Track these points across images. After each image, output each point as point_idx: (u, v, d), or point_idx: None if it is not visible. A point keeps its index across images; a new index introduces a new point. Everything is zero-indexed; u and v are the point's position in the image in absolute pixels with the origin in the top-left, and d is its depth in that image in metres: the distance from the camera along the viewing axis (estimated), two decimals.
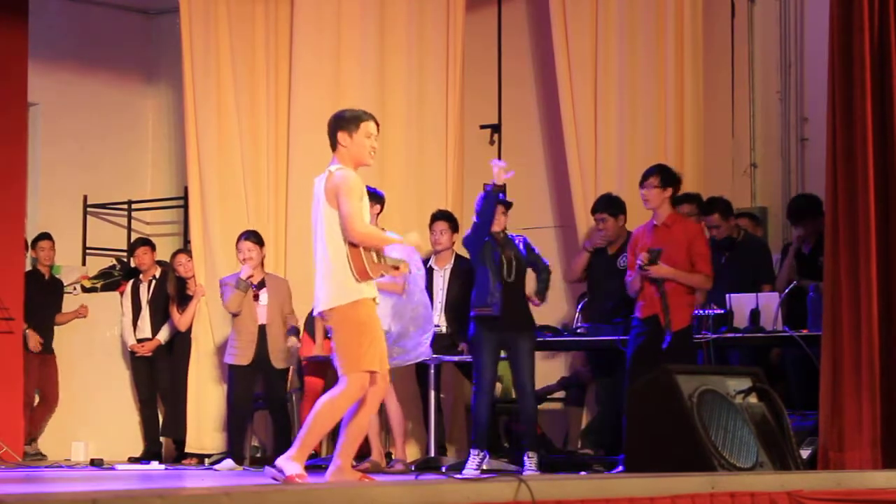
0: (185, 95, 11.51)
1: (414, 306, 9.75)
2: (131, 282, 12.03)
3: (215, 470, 10.22)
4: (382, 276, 7.17)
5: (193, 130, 11.42)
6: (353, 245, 6.96)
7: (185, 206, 12.66)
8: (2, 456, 10.79)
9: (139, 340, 11.83)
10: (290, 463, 6.85)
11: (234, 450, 10.44)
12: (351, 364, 6.93)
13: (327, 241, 6.99)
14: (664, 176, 9.09)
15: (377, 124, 7.17)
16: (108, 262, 13.11)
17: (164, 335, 11.75)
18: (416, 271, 9.77)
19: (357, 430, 7.08)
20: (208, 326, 11.36)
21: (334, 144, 7.13)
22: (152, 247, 12.03)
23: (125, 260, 13.05)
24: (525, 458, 9.22)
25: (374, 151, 7.20)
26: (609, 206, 10.16)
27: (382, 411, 9.97)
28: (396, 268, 7.17)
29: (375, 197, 9.86)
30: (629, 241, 9.34)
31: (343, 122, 7.13)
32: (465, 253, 10.77)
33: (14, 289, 11.28)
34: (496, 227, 9.38)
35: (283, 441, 10.02)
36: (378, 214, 9.87)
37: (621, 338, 9.43)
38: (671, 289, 8.90)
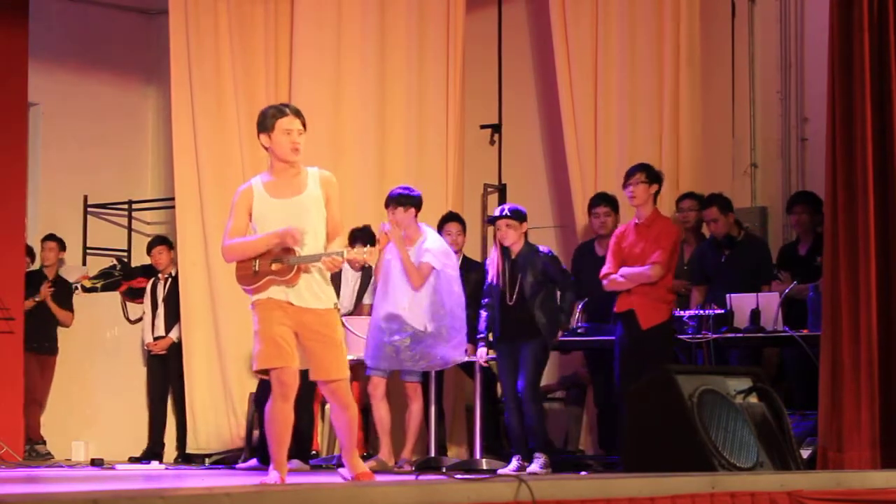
0: (172, 97, 11.49)
1: (450, 306, 9.71)
2: (151, 280, 12.05)
3: (237, 469, 10.25)
4: (254, 287, 6.96)
5: (187, 132, 11.39)
6: None
7: None
8: (2, 456, 10.79)
9: (154, 339, 11.87)
10: (271, 472, 6.96)
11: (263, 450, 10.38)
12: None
13: None
14: (649, 172, 9.18)
15: (300, 118, 6.95)
16: (108, 262, 13.11)
17: (176, 333, 11.76)
18: (451, 272, 9.73)
19: (339, 429, 7.16)
20: (211, 327, 11.37)
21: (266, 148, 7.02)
22: (169, 246, 12.02)
23: (125, 260, 13.05)
24: (533, 458, 9.27)
25: (298, 147, 6.90)
26: (612, 200, 10.21)
27: (400, 411, 9.98)
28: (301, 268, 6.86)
29: (411, 199, 9.80)
30: (612, 240, 9.32)
31: (260, 125, 6.98)
32: (471, 255, 10.78)
33: (14, 289, 11.28)
34: (506, 243, 9.38)
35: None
36: (416, 216, 9.82)
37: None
38: (646, 286, 8.97)
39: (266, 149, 7.01)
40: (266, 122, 6.94)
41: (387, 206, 9.80)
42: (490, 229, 11.94)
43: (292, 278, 6.86)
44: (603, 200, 10.24)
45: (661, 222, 9.21)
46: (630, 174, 9.19)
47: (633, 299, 9.03)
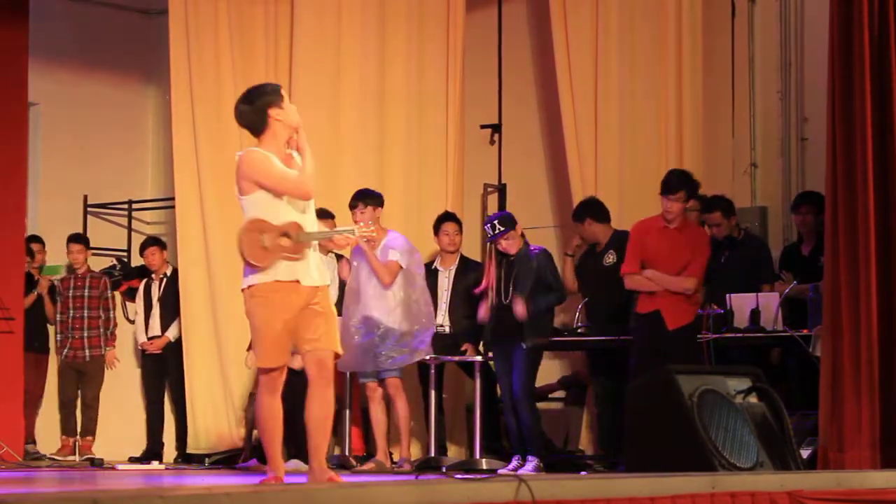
0: (172, 97, 11.51)
1: (419, 304, 9.77)
2: (144, 280, 12.06)
3: (237, 469, 10.26)
4: (264, 267, 6.66)
5: (186, 132, 11.41)
6: (250, 226, 6.70)
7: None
8: (2, 456, 10.79)
9: (150, 338, 11.86)
10: (269, 472, 6.92)
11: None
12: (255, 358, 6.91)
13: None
14: (690, 191, 9.09)
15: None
16: (108, 262, 13.10)
17: (173, 333, 11.76)
18: (415, 268, 9.79)
19: (310, 425, 6.83)
20: (211, 326, 11.36)
21: (263, 125, 6.83)
22: (162, 246, 12.04)
23: (125, 260, 13.05)
24: (527, 459, 9.28)
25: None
26: (573, 215, 10.22)
27: (391, 410, 9.99)
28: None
29: (376, 199, 9.90)
30: (633, 237, 9.26)
31: (271, 98, 6.81)
32: (469, 254, 10.79)
33: (14, 289, 11.27)
34: (512, 251, 9.40)
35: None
36: (378, 217, 9.88)
37: (622, 338, 9.45)
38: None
39: (276, 120, 6.80)
40: (275, 93, 6.83)
41: (353, 206, 9.82)
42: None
43: (301, 253, 6.69)
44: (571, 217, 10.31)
45: (695, 230, 9.18)
46: (673, 189, 9.04)
47: (659, 300, 8.96)
